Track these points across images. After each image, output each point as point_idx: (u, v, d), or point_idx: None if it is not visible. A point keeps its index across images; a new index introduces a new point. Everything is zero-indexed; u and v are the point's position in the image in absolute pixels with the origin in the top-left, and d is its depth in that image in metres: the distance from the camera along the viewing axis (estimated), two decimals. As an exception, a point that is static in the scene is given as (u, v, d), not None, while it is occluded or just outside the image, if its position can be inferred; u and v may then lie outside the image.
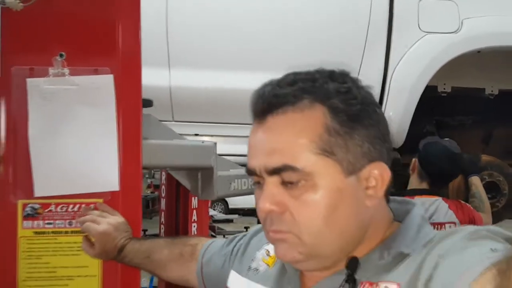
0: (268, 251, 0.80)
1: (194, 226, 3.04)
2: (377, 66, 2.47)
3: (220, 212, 10.56)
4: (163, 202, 3.31)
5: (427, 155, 2.15)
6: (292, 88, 0.65)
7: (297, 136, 0.63)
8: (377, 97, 2.46)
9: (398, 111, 2.46)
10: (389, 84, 2.46)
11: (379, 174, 0.65)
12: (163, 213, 3.30)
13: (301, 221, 0.63)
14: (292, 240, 0.64)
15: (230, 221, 8.87)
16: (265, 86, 0.68)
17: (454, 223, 2.06)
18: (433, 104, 2.66)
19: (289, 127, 0.64)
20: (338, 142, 0.63)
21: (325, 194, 0.63)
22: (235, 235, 0.96)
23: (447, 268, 0.56)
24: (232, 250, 0.90)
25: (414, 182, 2.18)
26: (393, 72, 2.46)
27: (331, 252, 0.65)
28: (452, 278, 0.54)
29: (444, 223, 2.05)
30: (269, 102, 0.65)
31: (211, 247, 1.00)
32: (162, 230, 3.27)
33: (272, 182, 0.65)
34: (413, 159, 2.19)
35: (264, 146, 0.65)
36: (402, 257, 0.63)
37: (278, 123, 0.64)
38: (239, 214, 9.91)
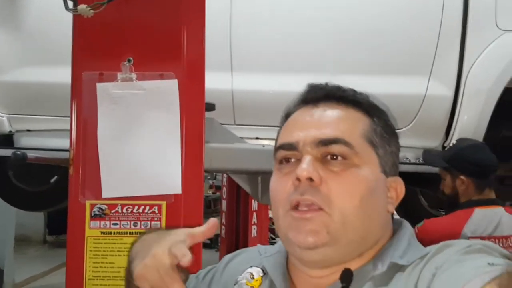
0: (252, 274, 0.76)
1: (254, 228, 3.05)
2: (450, 67, 2.32)
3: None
4: (224, 203, 3.36)
5: (459, 156, 1.92)
6: (352, 91, 0.72)
7: (351, 121, 0.69)
8: (450, 100, 2.32)
9: (474, 115, 2.30)
10: (464, 86, 2.30)
11: (399, 189, 0.70)
12: (223, 214, 3.35)
13: (337, 196, 0.64)
14: (321, 218, 0.63)
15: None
16: (315, 83, 0.73)
17: None
18: (511, 107, 2.46)
19: (343, 113, 0.69)
20: (380, 141, 0.69)
21: (366, 176, 0.65)
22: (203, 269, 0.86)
23: (445, 279, 0.56)
24: (204, 278, 0.83)
25: (471, 193, 1.92)
26: (468, 73, 2.30)
27: (352, 238, 0.64)
28: None
29: (509, 236, 1.85)
30: (330, 90, 0.71)
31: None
32: (223, 231, 3.32)
33: (313, 154, 0.66)
34: (461, 178, 1.92)
35: (316, 121, 0.68)
36: (397, 268, 0.64)
37: (333, 107, 0.70)
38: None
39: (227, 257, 0.84)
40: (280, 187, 0.67)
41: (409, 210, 3.16)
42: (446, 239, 0.65)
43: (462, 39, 2.30)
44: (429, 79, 2.32)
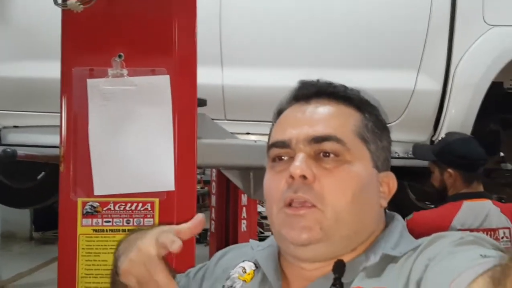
0: (244, 269, 0.75)
1: (244, 223, 3.06)
2: (438, 62, 2.34)
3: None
4: (213, 198, 3.35)
5: (445, 150, 1.93)
6: (343, 87, 0.72)
7: (342, 117, 0.69)
8: (439, 94, 2.34)
9: (462, 109, 2.33)
10: (452, 80, 2.32)
11: (391, 183, 0.71)
12: (213, 209, 3.34)
13: (330, 193, 0.64)
14: (314, 215, 0.63)
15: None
16: (306, 79, 0.73)
17: (509, 228, 1.87)
18: (498, 101, 2.50)
19: (334, 109, 0.70)
20: (371, 137, 0.69)
21: (358, 172, 0.66)
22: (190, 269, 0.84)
23: (438, 271, 0.56)
24: (195, 276, 0.82)
25: (460, 187, 1.93)
26: (456, 68, 2.32)
27: (346, 234, 0.65)
28: (443, 282, 0.53)
29: (497, 229, 1.87)
30: (321, 87, 0.71)
31: None
32: (213, 226, 3.31)
33: (306, 152, 0.66)
34: (449, 171, 1.92)
35: (308, 118, 0.69)
36: (389, 259, 0.64)
37: (325, 104, 0.70)
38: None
39: (219, 253, 0.84)
40: (274, 185, 0.67)
41: (397, 204, 3.20)
42: (435, 232, 0.66)
43: (450, 34, 2.32)
44: (417, 74, 2.34)
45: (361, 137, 0.68)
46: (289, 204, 0.65)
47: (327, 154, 0.66)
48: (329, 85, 0.72)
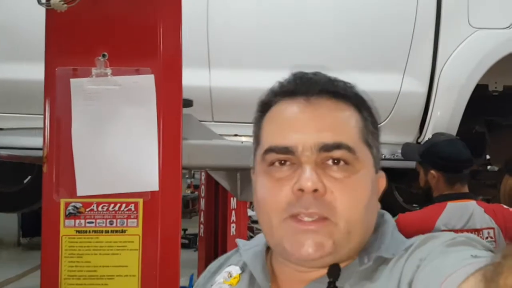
0: (230, 273, 0.72)
1: (233, 227, 3.04)
2: (424, 64, 2.36)
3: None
4: (202, 202, 3.34)
5: (430, 152, 1.94)
6: (343, 82, 0.67)
7: (348, 120, 0.64)
8: (424, 97, 2.36)
9: (447, 111, 2.35)
10: (437, 83, 2.35)
11: (381, 182, 0.69)
12: (202, 213, 3.32)
13: (342, 205, 0.61)
14: (327, 229, 0.60)
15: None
16: (304, 72, 0.67)
17: (493, 228, 1.87)
18: (483, 103, 2.53)
19: (339, 111, 0.64)
20: (372, 139, 0.66)
21: (366, 182, 0.64)
22: None
23: (429, 271, 0.55)
24: None
25: (442, 188, 1.94)
26: (441, 70, 2.35)
27: (354, 244, 0.63)
28: (434, 282, 0.52)
29: (481, 229, 1.86)
30: (324, 84, 0.65)
31: None
32: (202, 230, 3.29)
33: (314, 161, 0.61)
34: (432, 172, 1.94)
35: (313, 122, 0.63)
36: (382, 261, 0.63)
37: (327, 104, 0.64)
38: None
39: (212, 267, 0.80)
40: (273, 194, 0.62)
41: (384, 206, 3.19)
42: (420, 233, 0.66)
43: (436, 37, 2.35)
44: (403, 76, 2.36)
45: (365, 141, 0.65)
46: (296, 216, 0.60)
47: (336, 161, 0.62)
48: (331, 81, 0.67)
